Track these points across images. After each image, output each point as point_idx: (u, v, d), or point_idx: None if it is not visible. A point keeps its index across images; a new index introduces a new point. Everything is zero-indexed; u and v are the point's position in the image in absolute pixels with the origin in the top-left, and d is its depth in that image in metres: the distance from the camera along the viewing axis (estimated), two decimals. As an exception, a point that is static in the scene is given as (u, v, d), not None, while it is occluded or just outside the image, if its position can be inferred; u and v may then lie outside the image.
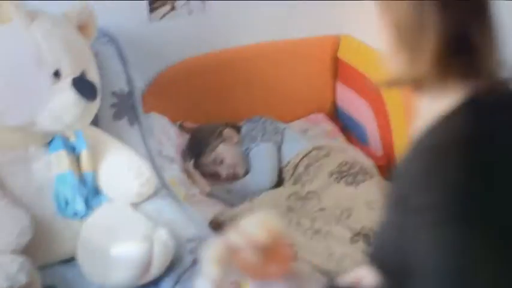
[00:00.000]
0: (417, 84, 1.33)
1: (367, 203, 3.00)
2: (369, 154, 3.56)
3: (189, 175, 3.30)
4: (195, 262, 2.48)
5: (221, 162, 3.38)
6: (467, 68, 1.26)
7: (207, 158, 3.37)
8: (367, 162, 3.41)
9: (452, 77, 1.27)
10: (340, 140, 3.78)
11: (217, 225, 2.88)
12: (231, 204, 3.14)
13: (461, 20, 1.24)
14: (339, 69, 3.95)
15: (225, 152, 3.37)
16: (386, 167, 3.49)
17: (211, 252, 1.45)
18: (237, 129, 3.55)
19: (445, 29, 1.23)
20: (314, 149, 3.31)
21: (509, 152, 1.21)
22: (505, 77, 1.29)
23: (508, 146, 1.22)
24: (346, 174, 3.20)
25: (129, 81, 3.04)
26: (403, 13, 1.28)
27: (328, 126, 3.89)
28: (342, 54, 3.91)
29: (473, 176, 1.15)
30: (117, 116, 2.95)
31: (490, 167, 1.17)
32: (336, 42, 3.93)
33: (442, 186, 1.15)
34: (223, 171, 3.39)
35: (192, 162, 3.35)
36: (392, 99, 3.45)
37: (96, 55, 2.82)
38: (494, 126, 1.23)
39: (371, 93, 3.64)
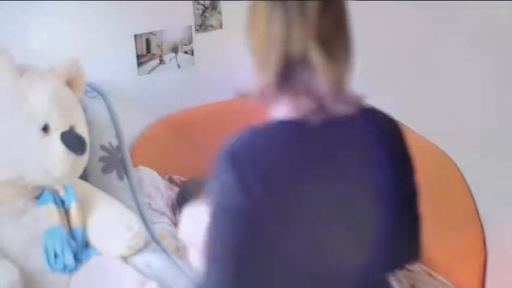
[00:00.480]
0: (262, 96, 1.58)
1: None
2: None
3: (178, 228, 3.28)
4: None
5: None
6: (300, 86, 1.50)
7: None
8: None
9: (287, 92, 1.51)
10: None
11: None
12: None
13: (303, 41, 1.47)
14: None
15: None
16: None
17: None
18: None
19: (287, 48, 1.48)
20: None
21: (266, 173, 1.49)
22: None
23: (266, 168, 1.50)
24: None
25: (118, 134, 3.05)
26: (257, 34, 1.57)
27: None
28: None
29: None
30: (106, 170, 2.95)
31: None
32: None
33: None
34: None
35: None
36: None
37: (85, 109, 2.83)
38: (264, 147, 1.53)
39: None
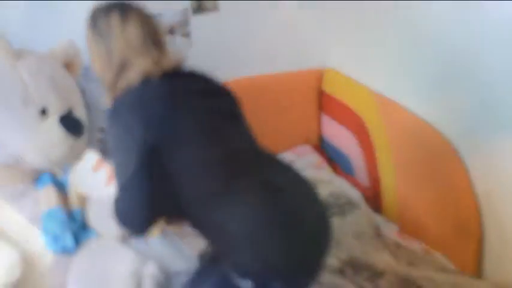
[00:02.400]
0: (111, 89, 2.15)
1: (354, 233, 3.01)
2: (355, 184, 3.58)
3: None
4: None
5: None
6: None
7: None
8: (354, 193, 3.43)
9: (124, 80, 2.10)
10: (326, 171, 3.79)
11: (203, 253, 2.88)
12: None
13: (123, 51, 2.11)
14: (323, 102, 3.98)
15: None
16: (372, 197, 3.50)
17: None
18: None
19: (111, 57, 2.11)
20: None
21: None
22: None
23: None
24: (333, 205, 3.20)
25: (116, 117, 3.06)
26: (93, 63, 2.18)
27: (315, 157, 3.90)
28: (326, 87, 3.94)
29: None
30: (104, 151, 2.96)
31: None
32: (319, 76, 3.97)
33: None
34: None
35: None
36: (377, 130, 3.48)
37: (83, 92, 2.84)
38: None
39: (355, 125, 3.67)
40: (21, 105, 2.47)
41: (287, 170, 2.25)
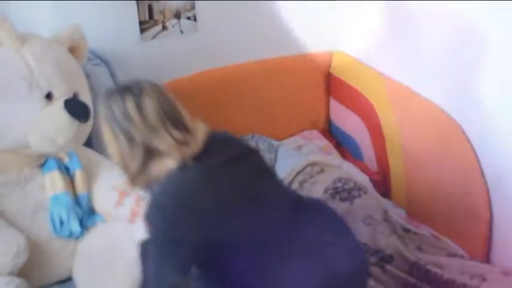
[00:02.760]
0: (137, 182, 2.10)
1: (362, 218, 2.99)
2: (364, 169, 3.56)
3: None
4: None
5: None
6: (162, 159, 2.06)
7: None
8: (362, 178, 3.41)
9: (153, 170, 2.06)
10: (334, 156, 3.77)
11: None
12: None
13: (144, 139, 2.01)
14: (331, 86, 3.96)
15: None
16: (381, 182, 3.48)
17: None
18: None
19: (135, 150, 2.03)
20: (308, 165, 3.30)
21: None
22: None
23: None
24: (341, 190, 3.18)
25: (122, 101, 3.04)
26: (112, 148, 2.07)
27: (322, 142, 3.89)
28: (334, 71, 3.92)
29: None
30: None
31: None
32: (328, 59, 3.94)
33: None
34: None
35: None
36: (386, 114, 3.46)
37: (88, 76, 2.83)
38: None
39: (364, 109, 3.65)
40: (26, 89, 2.45)
41: (327, 220, 2.30)
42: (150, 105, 2.03)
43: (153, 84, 2.10)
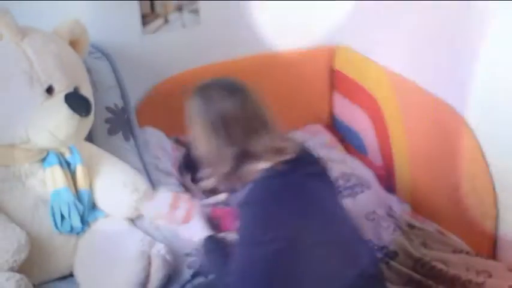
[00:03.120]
0: (223, 180, 2.14)
1: (366, 214, 2.98)
2: (368, 164, 3.54)
3: (187, 189, 3.27)
4: (193, 276, 2.47)
5: (218, 175, 3.35)
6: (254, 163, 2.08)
7: (204, 172, 3.33)
8: (366, 173, 3.40)
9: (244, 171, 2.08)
10: (339, 151, 3.75)
11: (216, 238, 2.86)
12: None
13: (243, 140, 2.03)
14: (335, 80, 3.94)
15: (222, 165, 3.34)
16: (385, 177, 3.47)
17: None
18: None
19: (232, 149, 2.04)
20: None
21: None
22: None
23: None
24: (344, 187, 3.18)
25: (123, 95, 3.04)
26: (204, 143, 2.11)
27: (326, 137, 3.87)
28: (338, 65, 3.90)
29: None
30: (111, 131, 2.94)
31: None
32: (331, 53, 3.92)
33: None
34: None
35: (188, 176, 3.32)
36: (390, 108, 3.44)
37: (90, 70, 2.81)
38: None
39: (368, 103, 3.63)
40: (26, 83, 2.43)
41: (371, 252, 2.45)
42: (250, 108, 2.06)
43: (252, 88, 2.13)
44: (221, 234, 2.45)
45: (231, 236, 2.33)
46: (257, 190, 2.06)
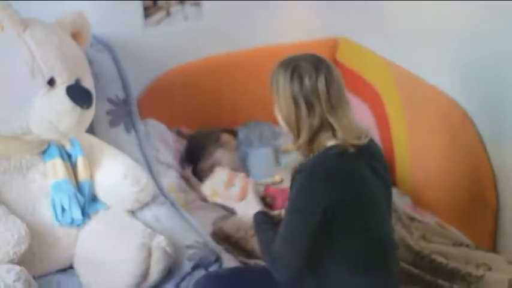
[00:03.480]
0: (300, 148, 2.22)
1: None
2: (369, 156, 3.54)
3: (187, 181, 3.27)
4: (194, 269, 2.47)
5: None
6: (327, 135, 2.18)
7: (205, 164, 3.34)
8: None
9: (316, 142, 2.19)
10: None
11: (217, 231, 2.86)
12: (231, 210, 3.12)
13: (322, 114, 2.14)
14: (336, 72, 3.93)
15: (222, 157, 3.34)
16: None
17: None
18: (234, 134, 3.54)
19: (312, 120, 2.15)
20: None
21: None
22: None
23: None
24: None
25: (125, 87, 3.03)
26: (287, 112, 2.19)
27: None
28: (340, 57, 3.89)
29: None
30: (113, 123, 2.94)
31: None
32: (333, 45, 3.91)
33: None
34: (221, 176, 3.36)
35: (190, 168, 3.33)
36: (392, 101, 3.44)
37: (91, 62, 2.80)
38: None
39: (370, 96, 3.63)
40: (28, 75, 2.43)
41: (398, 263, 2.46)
42: (335, 86, 2.17)
43: (336, 68, 2.23)
44: (273, 212, 2.53)
45: (283, 213, 2.39)
46: (314, 162, 2.18)
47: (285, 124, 2.25)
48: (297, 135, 2.21)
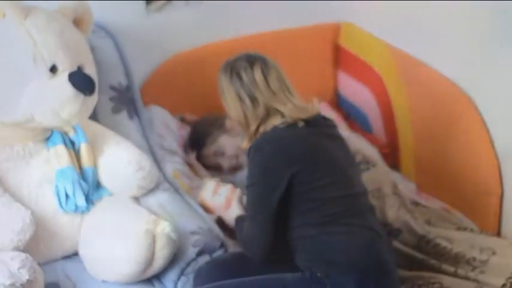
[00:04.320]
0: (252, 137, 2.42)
1: (371, 191, 2.98)
2: (373, 142, 3.54)
3: (191, 167, 3.27)
4: (198, 255, 2.47)
5: (223, 153, 3.34)
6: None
7: (209, 150, 3.34)
8: (371, 150, 3.40)
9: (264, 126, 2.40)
10: (343, 129, 3.74)
11: (220, 218, 2.86)
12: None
13: (266, 102, 2.38)
14: (340, 57, 3.92)
15: (226, 143, 3.33)
16: (390, 155, 3.47)
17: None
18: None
19: (258, 111, 2.38)
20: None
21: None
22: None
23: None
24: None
25: (128, 74, 3.04)
26: (235, 111, 2.43)
27: (331, 115, 3.85)
28: (342, 42, 3.88)
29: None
30: (116, 110, 2.94)
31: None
32: (336, 30, 3.90)
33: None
34: (225, 162, 3.35)
35: (194, 154, 3.33)
36: (395, 86, 3.43)
37: (93, 49, 2.79)
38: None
39: (373, 81, 3.62)
40: (30, 62, 2.42)
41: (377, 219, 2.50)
42: (273, 74, 2.42)
43: (271, 59, 2.49)
44: None
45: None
46: (262, 138, 2.38)
47: (238, 124, 2.47)
48: (248, 128, 2.43)
